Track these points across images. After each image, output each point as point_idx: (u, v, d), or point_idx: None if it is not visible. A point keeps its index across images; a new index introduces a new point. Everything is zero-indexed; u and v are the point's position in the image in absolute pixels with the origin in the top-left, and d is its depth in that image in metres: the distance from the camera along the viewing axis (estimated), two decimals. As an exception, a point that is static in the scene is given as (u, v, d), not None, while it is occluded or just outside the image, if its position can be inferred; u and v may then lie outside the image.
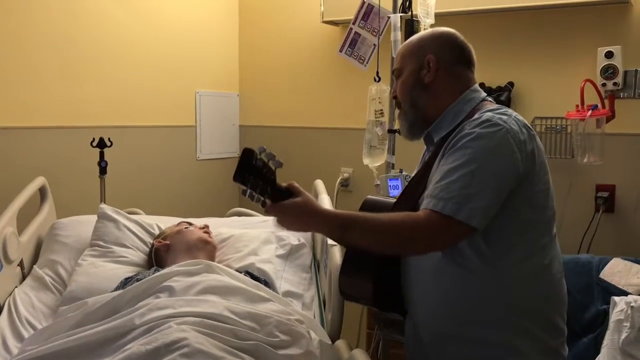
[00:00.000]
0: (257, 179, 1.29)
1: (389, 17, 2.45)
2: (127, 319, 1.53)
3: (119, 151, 2.67)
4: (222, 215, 2.63)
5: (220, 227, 2.33)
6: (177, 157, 3.16)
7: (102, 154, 2.53)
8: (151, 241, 2.18)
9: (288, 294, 2.03)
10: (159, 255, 2.08)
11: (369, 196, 1.63)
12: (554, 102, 2.62)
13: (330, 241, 1.88)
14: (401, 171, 2.35)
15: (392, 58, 2.24)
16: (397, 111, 1.67)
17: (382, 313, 1.72)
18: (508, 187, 1.34)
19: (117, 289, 1.87)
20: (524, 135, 1.36)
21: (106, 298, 1.68)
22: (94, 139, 2.53)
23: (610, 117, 2.39)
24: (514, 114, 1.41)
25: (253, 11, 3.44)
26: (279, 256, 2.18)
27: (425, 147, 1.62)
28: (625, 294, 2.09)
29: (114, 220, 2.24)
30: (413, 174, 1.65)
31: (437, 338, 1.45)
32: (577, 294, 2.14)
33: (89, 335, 1.51)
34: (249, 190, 1.30)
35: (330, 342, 1.69)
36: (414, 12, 2.41)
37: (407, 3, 2.42)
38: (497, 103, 1.51)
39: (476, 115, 1.41)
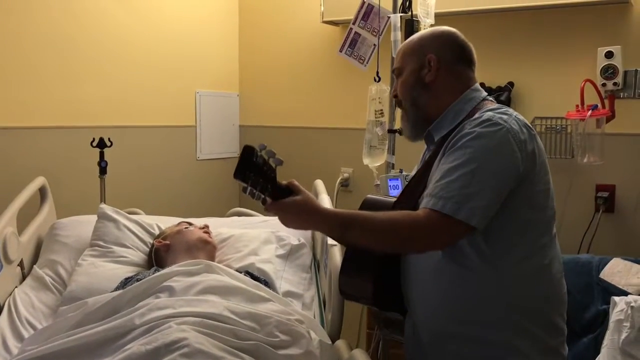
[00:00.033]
0: (258, 176, 1.29)
1: (389, 17, 2.45)
2: (127, 319, 1.53)
3: (119, 151, 2.67)
4: (222, 215, 2.63)
5: (220, 227, 2.33)
6: (177, 157, 3.16)
7: (102, 154, 2.53)
8: (151, 241, 2.18)
9: (288, 294, 2.03)
10: (159, 255, 2.08)
11: (369, 195, 1.63)
12: (554, 102, 2.62)
13: (330, 241, 1.88)
14: (401, 171, 2.35)
15: (392, 58, 2.24)
16: (397, 111, 1.67)
17: (382, 312, 1.72)
18: (508, 186, 1.34)
19: (117, 289, 1.87)
20: (524, 135, 1.36)
21: (106, 298, 1.68)
22: (94, 139, 2.53)
23: (610, 117, 2.39)
24: (515, 113, 1.41)
25: (253, 11, 3.44)
26: (279, 256, 2.18)
27: (425, 146, 1.62)
28: (625, 294, 2.09)
29: (114, 220, 2.23)
30: (413, 173, 1.65)
31: (437, 337, 1.45)
32: (577, 294, 2.14)
33: (89, 335, 1.51)
34: (249, 188, 1.30)
35: (330, 342, 1.69)
36: (414, 12, 2.41)
37: (407, 3, 2.42)
38: (497, 103, 1.51)
39: (477, 115, 1.41)
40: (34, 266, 2.13)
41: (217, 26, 3.37)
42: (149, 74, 2.97)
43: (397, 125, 2.39)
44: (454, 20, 2.56)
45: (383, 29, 2.52)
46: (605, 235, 2.55)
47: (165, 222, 2.30)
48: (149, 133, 2.99)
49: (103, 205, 2.31)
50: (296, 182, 1.39)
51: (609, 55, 2.36)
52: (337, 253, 1.84)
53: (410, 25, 2.40)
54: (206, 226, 2.18)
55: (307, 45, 3.26)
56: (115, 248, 2.15)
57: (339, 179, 3.16)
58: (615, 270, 2.20)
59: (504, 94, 2.66)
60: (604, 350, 1.95)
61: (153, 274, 1.83)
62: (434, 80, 1.49)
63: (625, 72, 2.38)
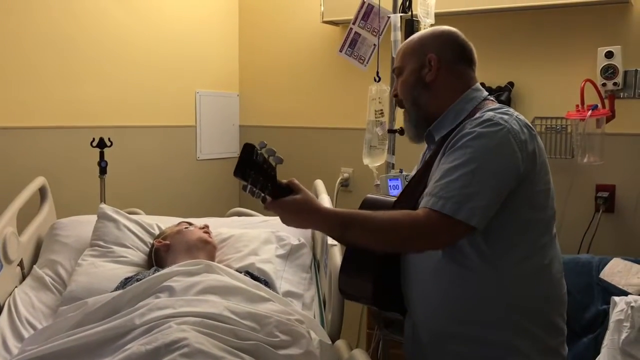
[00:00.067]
0: (258, 174, 1.29)
1: (389, 17, 2.45)
2: (127, 319, 1.53)
3: (119, 151, 2.67)
4: (222, 215, 2.63)
5: (220, 227, 2.33)
6: (177, 157, 3.16)
7: (102, 154, 2.53)
8: (151, 241, 2.18)
9: (288, 294, 2.03)
10: (159, 255, 2.08)
11: (369, 195, 1.63)
12: (554, 102, 2.63)
13: (330, 241, 1.89)
14: (401, 171, 2.35)
15: (392, 58, 2.24)
16: (397, 111, 1.67)
17: (382, 312, 1.72)
18: (508, 186, 1.34)
19: (117, 289, 1.87)
20: (524, 135, 1.36)
21: (106, 298, 1.68)
22: (94, 139, 2.53)
23: (610, 117, 2.39)
24: (515, 113, 1.41)
25: (253, 11, 3.45)
26: (279, 256, 2.18)
27: (425, 146, 1.62)
28: (625, 294, 2.09)
29: (114, 220, 2.23)
30: (413, 173, 1.64)
31: (437, 337, 1.45)
32: (577, 294, 2.14)
33: (89, 335, 1.51)
34: (249, 186, 1.30)
35: (330, 342, 1.69)
36: (414, 12, 2.41)
37: (407, 3, 2.42)
38: (498, 103, 1.51)
39: (477, 115, 1.41)
40: (34, 266, 2.13)
41: (217, 26, 3.37)
42: (149, 74, 2.97)
43: (397, 125, 2.39)
44: (454, 20, 2.55)
45: (383, 29, 2.52)
46: (605, 235, 2.55)
47: (165, 222, 2.30)
48: (149, 133, 2.99)
49: (103, 205, 2.31)
50: (296, 181, 1.39)
51: (609, 55, 2.36)
52: (337, 253, 1.84)
53: (410, 25, 2.40)
54: (206, 226, 2.18)
55: (307, 45, 3.26)
56: (115, 248, 2.15)
57: (339, 179, 3.16)
58: (615, 270, 2.20)
59: (504, 94, 2.66)
60: (604, 350, 1.95)
61: (153, 274, 1.83)
62: (435, 80, 1.49)
63: (625, 72, 2.38)
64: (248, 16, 3.46)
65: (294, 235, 2.28)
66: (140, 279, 1.80)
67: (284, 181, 1.38)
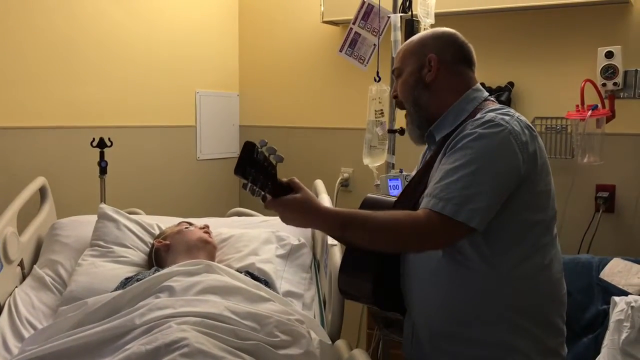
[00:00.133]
0: (258, 173, 1.29)
1: (389, 17, 2.45)
2: (127, 319, 1.53)
3: (119, 151, 2.67)
4: (222, 215, 2.63)
5: (220, 227, 2.33)
6: (177, 157, 3.16)
7: (102, 154, 2.53)
8: (151, 241, 2.18)
9: (288, 293, 2.03)
10: (159, 255, 2.08)
11: (369, 195, 1.63)
12: (554, 102, 2.63)
13: (330, 241, 1.89)
14: (401, 171, 2.35)
15: (392, 58, 2.24)
16: (397, 110, 1.67)
17: (382, 312, 1.72)
18: (509, 188, 1.34)
19: (117, 289, 1.87)
20: (525, 136, 1.36)
21: (106, 298, 1.68)
22: (94, 139, 2.53)
23: (610, 117, 2.38)
24: (517, 114, 1.41)
25: (253, 11, 3.45)
26: (279, 256, 2.18)
27: (426, 146, 1.62)
28: (626, 294, 2.09)
29: (114, 220, 2.23)
30: (413, 173, 1.64)
31: (436, 337, 1.45)
32: (577, 294, 2.14)
33: (89, 335, 1.51)
34: (249, 184, 1.30)
35: (330, 342, 1.69)
36: (414, 12, 2.41)
37: (407, 3, 2.42)
38: (498, 103, 1.51)
39: (478, 115, 1.41)
40: (34, 266, 2.13)
41: (217, 26, 3.37)
42: (149, 74, 2.97)
43: (397, 125, 2.39)
44: (454, 20, 2.56)
45: (383, 29, 2.52)
46: (605, 235, 2.55)
47: (166, 222, 2.30)
48: (149, 133, 2.99)
49: (103, 205, 2.31)
50: (297, 180, 1.40)
51: (609, 55, 2.36)
52: (337, 253, 1.84)
53: (410, 25, 2.40)
54: (206, 226, 2.18)
55: (307, 45, 3.26)
56: (116, 248, 2.15)
57: (339, 179, 3.17)
58: (616, 270, 2.20)
59: (504, 94, 2.66)
60: (604, 350, 1.95)
61: (153, 274, 1.83)
62: (434, 80, 1.49)
63: (626, 72, 2.38)
64: (248, 16, 3.46)
65: (294, 235, 2.28)
66: (141, 279, 1.80)
67: (285, 180, 1.38)
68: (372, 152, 2.47)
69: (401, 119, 1.63)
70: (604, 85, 2.38)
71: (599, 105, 2.38)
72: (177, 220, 2.28)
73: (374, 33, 2.54)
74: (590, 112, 2.35)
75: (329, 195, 2.28)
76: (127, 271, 2.04)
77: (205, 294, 1.66)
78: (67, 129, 2.63)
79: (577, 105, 2.41)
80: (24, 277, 2.11)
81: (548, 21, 2.65)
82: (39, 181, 2.30)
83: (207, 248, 2.08)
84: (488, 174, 1.32)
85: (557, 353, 1.45)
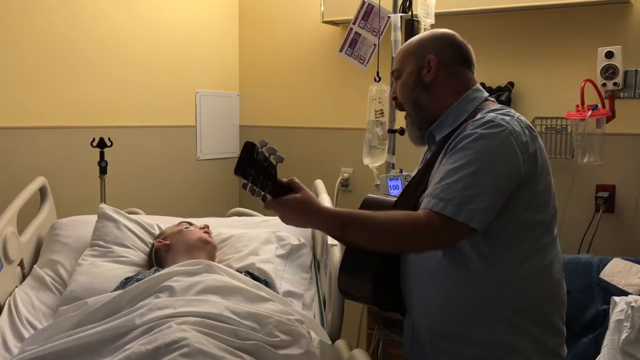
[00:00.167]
0: (258, 173, 1.29)
1: (389, 17, 2.45)
2: (127, 318, 1.53)
3: (119, 151, 2.67)
4: (222, 215, 2.63)
5: (220, 227, 2.33)
6: (177, 157, 3.16)
7: (102, 154, 2.53)
8: (151, 241, 2.18)
9: (288, 293, 2.03)
10: (159, 255, 2.08)
11: (370, 194, 1.63)
12: (554, 102, 2.63)
13: (330, 241, 1.89)
14: (401, 171, 2.35)
15: (393, 58, 2.24)
16: (397, 111, 1.67)
17: (382, 312, 1.72)
18: (509, 188, 1.34)
19: (117, 289, 1.87)
20: (526, 137, 1.36)
21: (106, 298, 1.68)
22: (94, 139, 2.53)
23: (610, 117, 2.38)
24: (517, 114, 1.41)
25: (253, 11, 3.45)
26: (279, 256, 2.18)
27: (426, 146, 1.62)
28: (626, 294, 2.09)
29: (114, 220, 2.23)
30: (413, 173, 1.64)
31: (436, 337, 1.45)
32: (577, 294, 2.14)
33: (89, 335, 1.51)
34: (249, 184, 1.30)
35: (330, 342, 1.69)
36: (414, 12, 2.41)
37: (407, 3, 2.42)
38: (498, 103, 1.51)
39: (479, 116, 1.41)
40: (34, 266, 2.13)
41: (217, 26, 3.37)
42: (149, 74, 2.97)
43: (397, 125, 2.39)
44: (454, 20, 2.56)
45: (383, 29, 2.52)
46: (605, 235, 2.55)
47: (166, 222, 2.30)
48: (149, 133, 2.99)
49: (103, 205, 2.31)
50: (297, 180, 1.40)
51: (609, 55, 2.36)
52: (337, 253, 1.84)
53: (411, 25, 2.40)
54: (206, 226, 2.18)
55: (307, 45, 3.26)
56: (116, 248, 2.15)
57: (339, 179, 3.17)
58: (616, 270, 2.20)
59: (504, 94, 2.66)
60: (604, 350, 1.96)
61: (153, 274, 1.83)
62: (434, 81, 1.49)
63: (626, 72, 2.38)
64: (248, 16, 3.46)
65: (294, 235, 2.28)
66: (141, 279, 1.80)
67: (285, 180, 1.38)
68: (372, 152, 2.47)
69: (401, 119, 1.63)
70: (604, 85, 2.38)
71: (599, 105, 2.39)
72: (177, 220, 2.28)
73: (374, 33, 2.54)
74: (590, 112, 2.35)
75: (329, 195, 2.28)
76: (127, 271, 2.04)
77: (205, 294, 1.66)
78: (67, 129, 2.63)
79: (577, 105, 2.41)
80: (24, 277, 2.11)
81: (548, 21, 2.65)
82: (39, 181, 2.30)
83: (207, 248, 2.08)
84: (488, 174, 1.32)
85: (557, 353, 1.45)
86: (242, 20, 3.48)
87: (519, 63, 2.71)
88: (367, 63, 2.58)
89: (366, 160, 2.49)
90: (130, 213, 2.37)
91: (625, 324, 1.94)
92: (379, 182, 2.37)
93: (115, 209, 2.29)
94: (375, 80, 2.46)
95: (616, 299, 2.04)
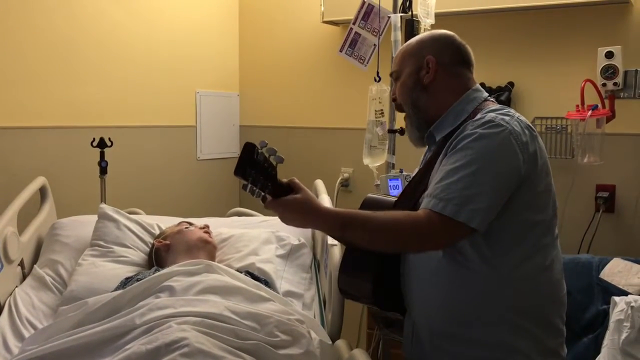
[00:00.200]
0: (258, 173, 1.29)
1: (389, 17, 2.45)
2: (128, 318, 1.53)
3: (119, 151, 2.67)
4: (222, 215, 2.63)
5: (220, 227, 2.33)
6: (177, 157, 3.16)
7: (102, 154, 2.53)
8: (151, 241, 2.18)
9: (288, 293, 2.03)
10: (159, 255, 2.08)
11: (370, 194, 1.63)
12: (554, 102, 2.63)
13: (330, 241, 1.89)
14: (401, 171, 2.35)
15: (393, 58, 2.24)
16: (397, 112, 1.67)
17: (382, 312, 1.72)
18: (509, 188, 1.34)
19: (117, 288, 1.87)
20: (526, 137, 1.36)
21: (106, 298, 1.68)
22: (94, 139, 2.53)
23: (611, 117, 2.38)
24: (517, 114, 1.41)
25: (253, 11, 3.45)
26: (279, 256, 2.18)
27: (426, 146, 1.62)
28: (626, 294, 2.09)
29: (115, 220, 2.24)
30: (414, 173, 1.64)
31: (436, 338, 1.45)
32: (577, 294, 2.14)
33: (89, 335, 1.51)
34: (249, 185, 1.30)
35: (330, 342, 1.69)
36: (414, 12, 2.42)
37: (407, 3, 2.42)
38: (498, 103, 1.51)
39: (478, 116, 1.41)
40: (35, 266, 2.13)
41: (217, 26, 3.37)
42: (149, 74, 2.97)
43: (397, 125, 2.39)
44: (454, 20, 2.56)
45: (383, 29, 2.53)
46: (605, 235, 2.55)
47: (166, 222, 2.30)
48: (149, 133, 2.99)
49: (103, 205, 2.31)
50: (297, 180, 1.40)
51: (609, 55, 2.36)
52: (337, 253, 1.84)
53: (411, 25, 2.40)
54: (206, 226, 2.18)
55: (307, 45, 3.26)
56: (116, 248, 2.15)
57: (339, 179, 3.17)
58: (616, 270, 2.20)
59: (504, 94, 2.66)
60: (604, 350, 1.96)
61: (153, 273, 1.84)
62: (433, 82, 1.49)
63: (626, 72, 2.38)
64: (248, 16, 3.46)
65: (294, 235, 2.28)
66: (141, 279, 1.80)
67: (285, 180, 1.38)
68: (372, 152, 2.47)
69: (401, 119, 1.63)
70: (604, 85, 2.38)
71: (599, 105, 2.39)
72: (177, 220, 2.28)
73: (374, 33, 2.54)
74: (590, 112, 2.35)
75: (329, 195, 2.29)
76: (127, 271, 2.04)
77: (205, 294, 1.66)
78: (67, 129, 2.63)
79: (577, 105, 2.41)
80: (24, 277, 2.11)
81: (548, 21, 2.65)
82: (39, 181, 2.30)
83: (207, 248, 2.08)
84: (488, 174, 1.32)
85: (557, 353, 1.45)
86: (242, 20, 3.48)
87: (519, 63, 2.71)
88: (367, 63, 2.58)
89: (366, 160, 2.49)
90: (130, 213, 2.37)
91: (625, 324, 1.94)
92: (379, 182, 2.37)
93: (115, 209, 2.29)
94: (375, 80, 2.46)
95: (616, 299, 2.04)
